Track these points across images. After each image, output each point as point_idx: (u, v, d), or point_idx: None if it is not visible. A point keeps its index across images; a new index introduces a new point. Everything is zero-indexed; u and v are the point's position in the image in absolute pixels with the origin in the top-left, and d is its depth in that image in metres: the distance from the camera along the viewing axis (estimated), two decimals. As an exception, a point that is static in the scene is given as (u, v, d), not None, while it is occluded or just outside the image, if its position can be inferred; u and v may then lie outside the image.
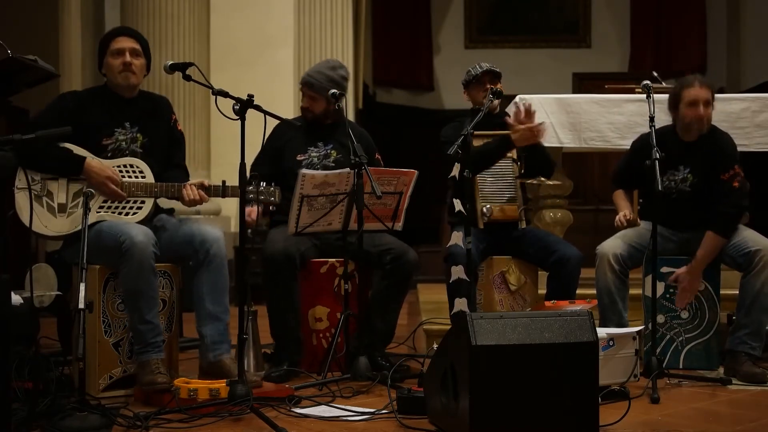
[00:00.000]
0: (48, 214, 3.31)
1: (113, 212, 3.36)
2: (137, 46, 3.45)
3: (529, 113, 3.72)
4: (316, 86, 3.98)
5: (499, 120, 4.02)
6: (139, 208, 3.40)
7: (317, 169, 3.93)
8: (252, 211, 3.70)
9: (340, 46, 8.16)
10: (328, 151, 4.03)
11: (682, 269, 3.80)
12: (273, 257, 3.69)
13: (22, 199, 3.25)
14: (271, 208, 3.53)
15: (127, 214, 3.38)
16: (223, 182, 3.45)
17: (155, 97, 3.72)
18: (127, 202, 3.38)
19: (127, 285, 3.24)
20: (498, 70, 4.04)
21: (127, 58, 3.41)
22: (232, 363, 3.32)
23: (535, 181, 4.70)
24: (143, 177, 3.41)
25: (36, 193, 3.27)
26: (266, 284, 3.73)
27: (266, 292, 3.75)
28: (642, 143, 3.85)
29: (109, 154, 3.40)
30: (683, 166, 3.85)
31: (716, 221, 3.74)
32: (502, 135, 3.79)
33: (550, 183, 4.71)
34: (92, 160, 3.32)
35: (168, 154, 3.60)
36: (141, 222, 3.37)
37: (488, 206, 3.88)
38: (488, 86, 3.95)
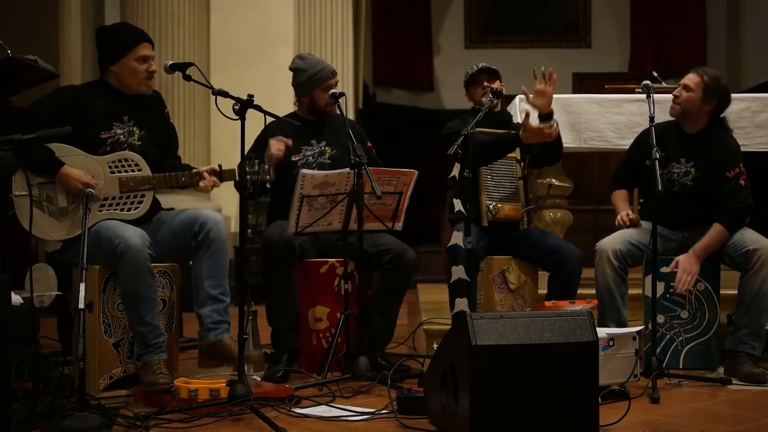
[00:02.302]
0: (50, 219, 3.30)
1: (115, 209, 3.36)
2: (154, 54, 3.49)
3: (551, 78, 3.71)
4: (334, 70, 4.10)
5: (500, 119, 4.01)
6: (140, 202, 3.39)
7: (313, 167, 3.92)
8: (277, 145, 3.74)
9: (340, 46, 8.16)
10: (323, 148, 4.02)
11: (682, 255, 3.79)
12: (272, 242, 3.69)
13: (21, 207, 3.24)
14: (267, 185, 3.52)
15: (129, 210, 3.37)
16: (220, 166, 3.46)
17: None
18: (128, 197, 3.38)
19: (124, 288, 3.24)
20: (494, 67, 4.03)
21: (153, 66, 3.43)
22: (233, 342, 3.30)
23: (545, 181, 4.70)
24: (139, 170, 3.40)
25: (35, 198, 3.26)
26: (265, 270, 3.72)
27: (265, 279, 3.73)
28: (646, 136, 3.84)
29: (108, 149, 3.39)
30: (685, 158, 3.85)
31: (725, 216, 3.74)
32: (511, 132, 3.78)
33: (557, 183, 4.71)
34: (69, 168, 3.29)
35: (164, 146, 3.61)
36: (144, 216, 3.37)
37: (494, 204, 3.88)
38: (485, 83, 3.96)
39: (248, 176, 3.18)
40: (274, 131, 3.92)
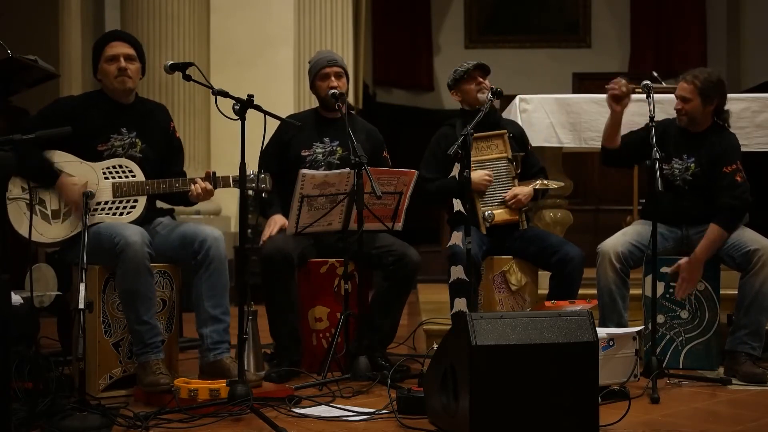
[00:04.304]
0: (42, 221, 3.30)
1: (107, 213, 3.36)
2: (131, 51, 3.44)
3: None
4: (339, 61, 4.02)
5: (489, 120, 3.98)
6: (133, 207, 3.39)
7: (321, 166, 3.92)
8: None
9: (340, 46, 8.15)
10: (334, 148, 3.99)
11: (683, 260, 3.78)
12: (270, 256, 3.68)
13: (14, 210, 3.24)
14: (263, 195, 3.51)
15: (121, 214, 3.37)
16: (214, 173, 3.45)
17: (153, 104, 3.72)
18: (120, 201, 3.38)
19: (123, 286, 3.24)
20: (487, 65, 4.03)
21: (122, 63, 3.39)
22: (232, 362, 3.32)
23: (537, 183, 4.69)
24: (133, 176, 3.40)
25: (28, 201, 3.25)
26: (265, 283, 3.72)
27: (265, 293, 3.74)
28: (660, 125, 3.84)
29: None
30: (687, 155, 3.88)
31: (720, 213, 3.74)
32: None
33: (555, 185, 4.71)
34: (67, 178, 3.30)
35: (168, 162, 3.60)
36: (137, 221, 3.37)
37: (489, 212, 3.88)
38: (479, 80, 3.96)
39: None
40: (287, 127, 3.83)
